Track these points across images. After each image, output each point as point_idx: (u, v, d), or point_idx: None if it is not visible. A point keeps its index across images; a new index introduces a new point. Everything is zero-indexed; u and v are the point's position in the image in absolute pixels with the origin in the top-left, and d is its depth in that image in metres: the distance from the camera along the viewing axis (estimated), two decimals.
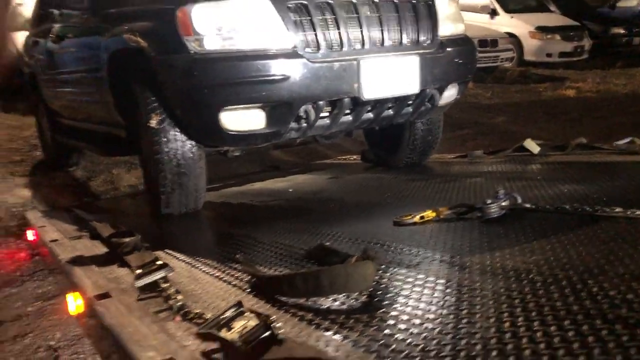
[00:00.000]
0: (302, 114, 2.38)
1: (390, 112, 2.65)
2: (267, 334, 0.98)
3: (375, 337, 1.03)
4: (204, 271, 1.68)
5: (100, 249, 2.09)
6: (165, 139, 2.43)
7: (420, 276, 1.32)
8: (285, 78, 2.23)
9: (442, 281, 1.27)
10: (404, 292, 1.23)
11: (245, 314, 1.06)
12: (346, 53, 2.34)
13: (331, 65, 2.30)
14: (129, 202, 3.59)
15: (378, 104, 2.54)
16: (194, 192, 2.57)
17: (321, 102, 2.37)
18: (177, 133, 2.45)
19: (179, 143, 2.45)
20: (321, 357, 0.84)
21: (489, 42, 9.31)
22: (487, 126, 5.51)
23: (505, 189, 1.85)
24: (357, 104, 2.46)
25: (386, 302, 1.19)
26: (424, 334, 1.01)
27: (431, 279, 1.30)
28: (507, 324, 1.00)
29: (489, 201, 1.74)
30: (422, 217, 1.85)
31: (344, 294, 1.25)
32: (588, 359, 0.83)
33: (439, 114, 3.07)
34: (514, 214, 1.75)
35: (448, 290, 1.21)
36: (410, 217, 1.87)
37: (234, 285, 1.47)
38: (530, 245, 1.47)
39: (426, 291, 1.23)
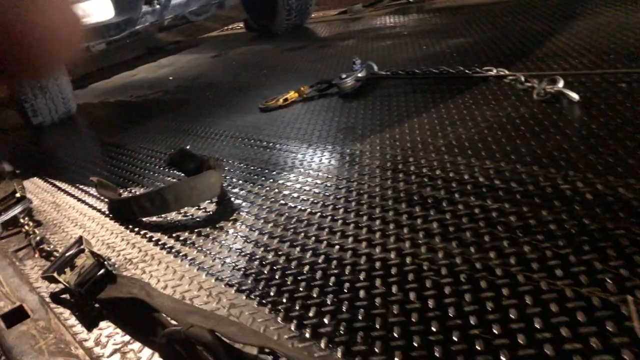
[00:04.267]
0: None
1: None
2: (101, 272, 1.00)
3: (212, 251, 1.07)
4: (68, 193, 1.65)
5: None
6: None
7: (275, 174, 1.35)
8: None
9: (293, 177, 1.30)
10: (251, 197, 1.26)
11: (85, 252, 1.07)
12: None
13: None
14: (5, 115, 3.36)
15: None
16: (58, 94, 2.43)
17: None
18: None
19: None
20: (141, 296, 0.88)
21: None
22: None
23: (369, 53, 1.82)
24: None
25: (230, 209, 1.23)
26: (264, 242, 1.06)
27: (292, 177, 1.33)
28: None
29: (343, 75, 1.73)
30: (285, 100, 1.84)
31: (193, 206, 1.27)
32: None
33: None
34: (371, 84, 1.76)
35: (297, 187, 1.25)
36: (274, 101, 1.85)
37: (93, 208, 1.46)
38: (380, 114, 1.50)
39: (273, 193, 1.26)
